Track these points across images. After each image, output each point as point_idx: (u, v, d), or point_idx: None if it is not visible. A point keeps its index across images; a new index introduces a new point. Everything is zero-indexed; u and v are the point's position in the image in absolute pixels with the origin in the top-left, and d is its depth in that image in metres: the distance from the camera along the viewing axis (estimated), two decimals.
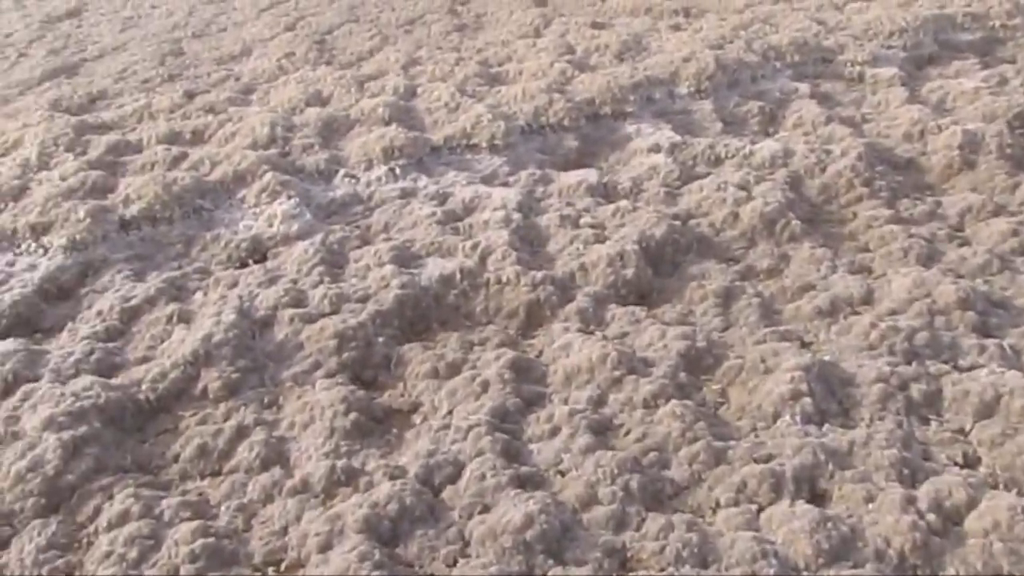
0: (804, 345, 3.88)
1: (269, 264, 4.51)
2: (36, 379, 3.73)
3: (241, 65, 7.33)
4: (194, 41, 8.25)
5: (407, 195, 5.06)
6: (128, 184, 5.12)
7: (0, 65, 8.05)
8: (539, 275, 4.19)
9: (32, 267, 4.57)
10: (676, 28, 7.44)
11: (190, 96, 6.55)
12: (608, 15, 8.06)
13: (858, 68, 6.56)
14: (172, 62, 7.58)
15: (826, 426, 3.38)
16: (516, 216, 4.68)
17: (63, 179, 5.18)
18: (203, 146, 5.68)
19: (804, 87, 6.29)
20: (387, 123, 5.76)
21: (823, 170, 5.12)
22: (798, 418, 3.43)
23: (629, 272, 4.25)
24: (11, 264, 4.61)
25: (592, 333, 3.94)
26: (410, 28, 8.07)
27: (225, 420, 3.54)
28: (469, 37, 7.64)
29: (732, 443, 3.31)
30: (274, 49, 7.63)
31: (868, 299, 4.11)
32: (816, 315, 4.02)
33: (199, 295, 4.31)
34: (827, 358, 3.79)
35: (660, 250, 4.47)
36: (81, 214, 4.79)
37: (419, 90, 6.31)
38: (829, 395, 3.53)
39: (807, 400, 3.45)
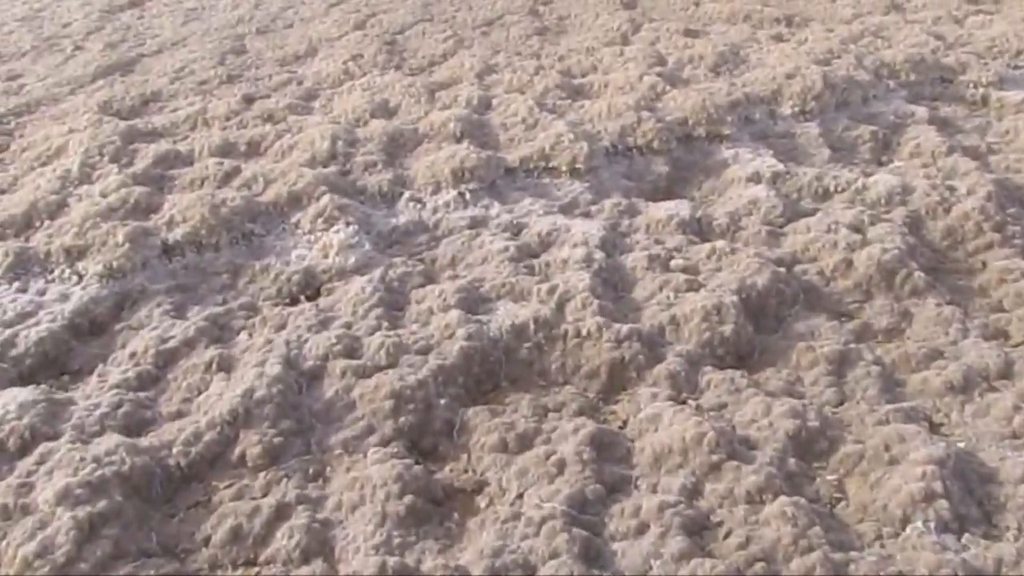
0: (933, 427, 3.41)
1: (322, 302, 4.13)
2: (56, 436, 3.36)
3: (305, 67, 6.98)
4: (257, 38, 7.93)
5: (477, 224, 4.65)
6: (174, 203, 4.77)
7: (54, 59, 7.80)
8: (624, 329, 3.75)
9: (64, 297, 4.22)
10: (778, 39, 6.94)
11: (248, 101, 6.21)
12: (702, 21, 7.58)
13: (981, 90, 6.04)
14: (233, 61, 7.26)
15: (966, 536, 2.91)
16: (599, 255, 4.25)
17: (104, 196, 4.85)
18: (258, 159, 5.32)
19: (921, 110, 5.77)
20: (458, 140, 5.35)
21: (947, 211, 4.61)
22: (932, 525, 2.95)
23: (727, 329, 3.80)
24: (42, 293, 4.27)
25: (685, 403, 3.50)
26: (487, 30, 7.66)
27: (264, 495, 3.15)
28: (551, 42, 7.21)
29: (853, 555, 2.84)
30: (341, 50, 7.27)
31: (1007, 372, 3.62)
32: (947, 390, 3.54)
33: (243, 336, 3.94)
34: (961, 445, 3.31)
35: (762, 302, 4.01)
36: (120, 238, 4.45)
37: (494, 102, 5.90)
38: (967, 495, 3.05)
39: (943, 503, 2.97)
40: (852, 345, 3.78)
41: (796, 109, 5.74)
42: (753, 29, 7.21)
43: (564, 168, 5.08)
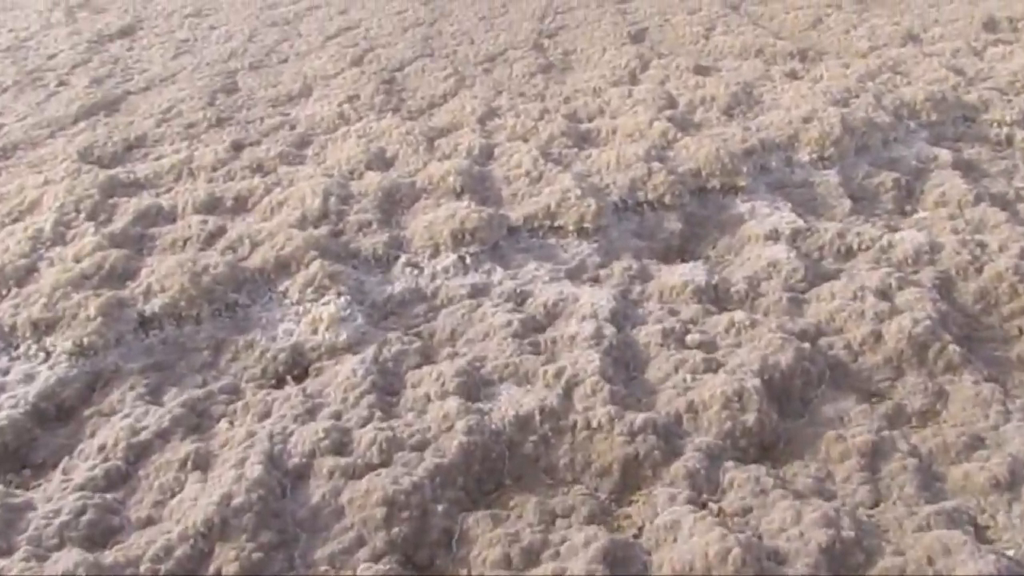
0: (978, 530, 3.10)
1: (310, 385, 3.81)
2: (10, 551, 3.04)
3: (299, 109, 6.69)
4: (250, 74, 7.64)
5: (478, 293, 4.35)
6: (152, 269, 4.46)
7: (36, 96, 7.50)
8: (638, 420, 3.43)
9: (29, 377, 3.90)
10: (792, 76, 6.64)
11: (237, 148, 5.91)
12: (713, 56, 7.28)
13: (1005, 129, 5.77)
14: (223, 101, 6.96)
15: None
16: (609, 331, 3.93)
17: (77, 260, 4.54)
18: (245, 217, 5.02)
19: (944, 154, 5.48)
20: (458, 195, 5.05)
21: (979, 271, 4.32)
22: None
23: (750, 418, 3.48)
24: (5, 372, 3.95)
25: (705, 505, 3.19)
26: (490, 66, 7.37)
27: None
28: (556, 80, 6.92)
29: None
30: (337, 89, 6.97)
31: None
32: (991, 487, 3.22)
33: (223, 425, 3.63)
34: (1011, 553, 3.01)
35: (786, 383, 3.69)
36: (92, 311, 4.14)
37: (497, 151, 5.60)
38: None
39: None
40: (885, 432, 3.47)
41: (814, 156, 5.44)
42: (766, 65, 6.92)
43: (571, 227, 4.77)
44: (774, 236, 4.66)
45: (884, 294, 4.19)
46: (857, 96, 6.09)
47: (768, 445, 3.53)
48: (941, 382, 3.76)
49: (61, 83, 7.83)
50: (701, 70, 6.91)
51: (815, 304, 4.20)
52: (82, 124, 6.71)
